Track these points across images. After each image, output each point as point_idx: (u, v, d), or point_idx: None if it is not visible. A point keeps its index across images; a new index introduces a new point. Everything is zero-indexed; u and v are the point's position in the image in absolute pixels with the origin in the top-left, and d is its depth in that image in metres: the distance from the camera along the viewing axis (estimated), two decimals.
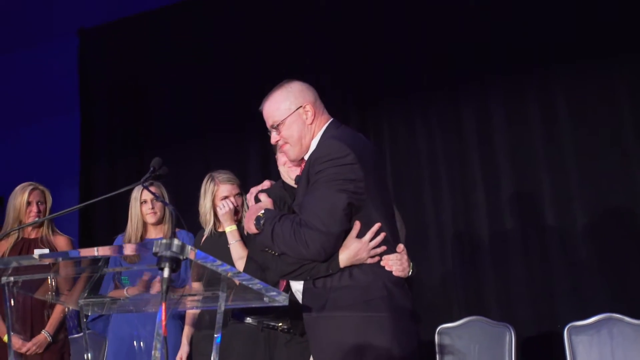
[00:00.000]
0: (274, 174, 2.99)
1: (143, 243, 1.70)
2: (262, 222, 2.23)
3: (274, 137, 2.38)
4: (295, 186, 2.65)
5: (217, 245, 3.27)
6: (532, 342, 4.06)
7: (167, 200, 3.65)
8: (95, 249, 1.78)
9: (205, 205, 3.43)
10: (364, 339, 2.09)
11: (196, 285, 2.30)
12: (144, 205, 3.68)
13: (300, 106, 2.34)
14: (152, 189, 3.59)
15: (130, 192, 3.67)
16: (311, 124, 2.34)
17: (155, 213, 3.68)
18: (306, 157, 2.36)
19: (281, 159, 2.76)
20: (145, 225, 3.69)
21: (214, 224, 3.43)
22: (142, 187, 3.40)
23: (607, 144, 4.19)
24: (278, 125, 2.34)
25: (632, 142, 4.13)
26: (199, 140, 5.60)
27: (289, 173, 2.73)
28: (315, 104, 2.37)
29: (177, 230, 3.75)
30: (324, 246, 2.12)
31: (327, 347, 2.14)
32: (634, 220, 4.07)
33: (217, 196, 3.40)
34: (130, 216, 3.70)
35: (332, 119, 2.39)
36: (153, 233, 3.73)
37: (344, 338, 2.11)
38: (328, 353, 2.13)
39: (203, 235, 3.47)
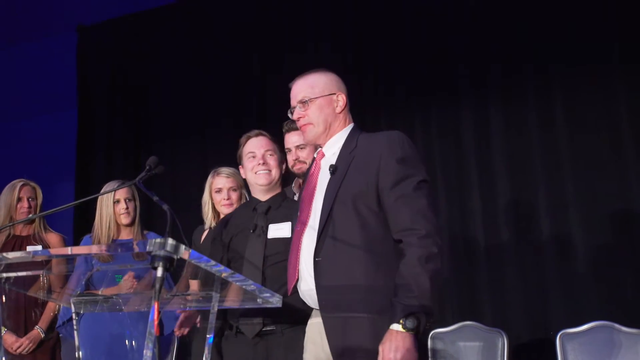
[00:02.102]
0: None
1: (142, 242, 1.69)
2: (410, 321, 1.99)
3: (297, 113, 2.38)
4: (266, 193, 2.78)
5: None
6: (525, 348, 4.06)
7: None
8: (94, 246, 1.78)
9: (204, 198, 3.48)
10: None
11: (192, 284, 2.30)
12: (117, 205, 3.59)
13: (334, 93, 2.37)
14: (127, 191, 3.59)
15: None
16: (340, 113, 2.37)
17: (129, 213, 3.60)
18: (325, 149, 2.38)
19: (248, 164, 2.84)
20: (117, 226, 3.61)
21: (213, 217, 3.45)
22: (115, 187, 3.41)
23: (604, 151, 4.19)
24: (308, 101, 2.35)
25: (629, 150, 4.14)
26: (197, 137, 5.59)
27: (256, 179, 2.81)
28: (347, 98, 2.42)
29: (146, 232, 3.73)
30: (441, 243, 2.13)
31: (355, 348, 2.09)
32: (629, 228, 4.07)
33: (212, 188, 3.45)
34: (100, 216, 3.59)
35: (353, 123, 2.44)
36: (124, 234, 3.64)
37: (370, 341, 2.06)
38: (357, 356, 2.08)
39: (203, 231, 3.48)
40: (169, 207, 1.95)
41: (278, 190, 2.88)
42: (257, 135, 2.92)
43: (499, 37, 4.57)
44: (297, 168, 3.19)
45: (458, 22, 4.72)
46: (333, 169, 2.28)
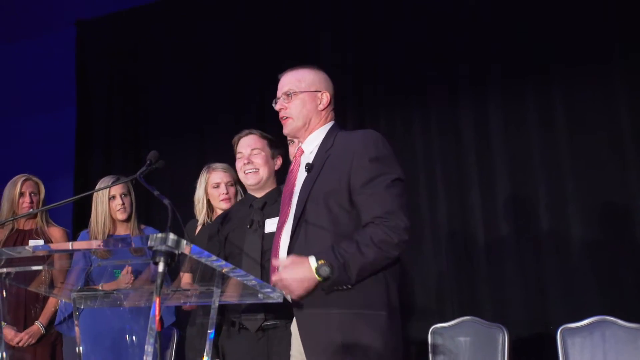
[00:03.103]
0: None
1: (143, 237, 1.69)
2: (327, 269, 2.05)
3: (280, 104, 2.42)
4: (260, 190, 2.86)
5: None
6: (525, 343, 4.06)
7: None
8: (93, 242, 1.77)
9: (198, 193, 3.47)
10: (361, 337, 2.07)
11: (187, 277, 2.29)
12: (112, 201, 3.59)
13: (320, 91, 2.40)
14: (123, 186, 3.59)
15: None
16: (322, 110, 2.40)
17: (125, 209, 3.61)
18: (304, 145, 2.41)
19: (238, 164, 2.92)
20: (113, 221, 3.61)
21: (207, 213, 3.45)
22: (110, 183, 3.41)
23: (604, 149, 4.18)
24: (292, 94, 2.38)
25: (628, 148, 4.13)
26: (196, 134, 5.57)
27: (245, 179, 2.90)
28: (332, 98, 2.45)
29: (143, 227, 3.73)
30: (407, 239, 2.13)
31: (325, 344, 2.10)
32: (628, 224, 4.07)
33: (209, 183, 3.45)
34: (96, 212, 3.59)
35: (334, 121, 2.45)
36: (121, 230, 3.64)
37: (340, 336, 2.08)
38: (328, 352, 2.09)
39: (196, 226, 3.48)
40: (170, 201, 1.95)
41: (273, 186, 2.90)
42: (246, 134, 2.97)
43: (499, 37, 4.55)
44: None
45: (458, 21, 4.70)
46: (309, 168, 2.32)
